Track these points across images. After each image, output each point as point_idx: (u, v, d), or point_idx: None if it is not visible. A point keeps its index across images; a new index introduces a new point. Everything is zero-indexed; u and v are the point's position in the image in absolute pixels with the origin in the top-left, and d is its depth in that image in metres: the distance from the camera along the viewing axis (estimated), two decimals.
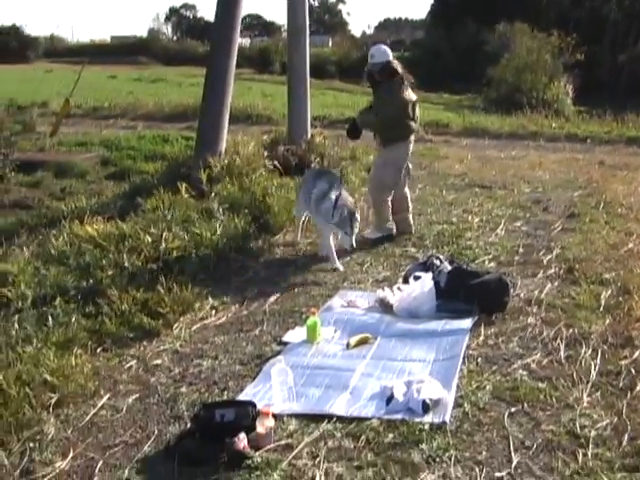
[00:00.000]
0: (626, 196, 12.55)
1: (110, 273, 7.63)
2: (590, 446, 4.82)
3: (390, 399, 5.31)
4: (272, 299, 7.65)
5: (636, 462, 4.64)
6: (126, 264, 7.81)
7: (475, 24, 45.33)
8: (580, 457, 4.70)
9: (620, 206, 11.73)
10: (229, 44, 12.46)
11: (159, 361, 6.23)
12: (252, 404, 5.06)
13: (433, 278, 7.34)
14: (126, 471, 4.65)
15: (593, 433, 4.98)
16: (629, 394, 5.53)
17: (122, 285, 7.39)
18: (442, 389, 5.44)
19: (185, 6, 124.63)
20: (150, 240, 8.36)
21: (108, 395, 5.64)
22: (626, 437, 4.93)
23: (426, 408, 5.18)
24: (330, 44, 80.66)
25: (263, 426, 4.88)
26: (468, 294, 7.20)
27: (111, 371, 6.06)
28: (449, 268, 7.61)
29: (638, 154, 18.63)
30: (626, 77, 42.47)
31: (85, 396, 5.62)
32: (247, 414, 4.91)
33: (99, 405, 5.50)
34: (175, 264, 7.98)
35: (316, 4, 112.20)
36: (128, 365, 6.17)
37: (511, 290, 7.46)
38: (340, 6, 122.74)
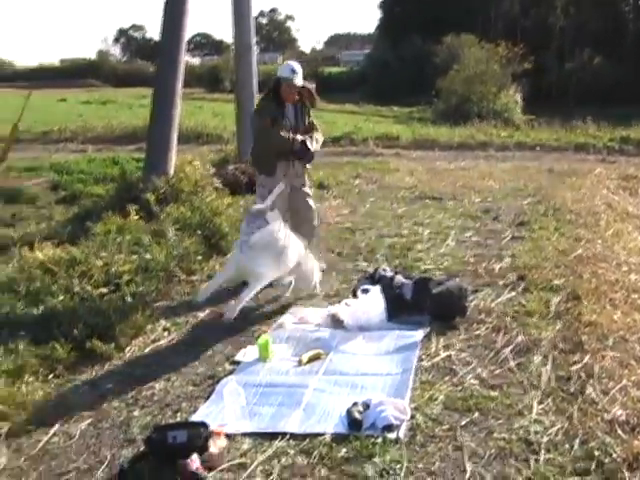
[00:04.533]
0: (575, 202, 12.70)
1: (61, 298, 7.57)
2: (542, 452, 4.87)
3: (353, 424, 5.29)
4: (224, 319, 7.63)
5: (587, 465, 4.69)
6: (77, 289, 7.76)
7: (423, 37, 45.60)
8: (532, 463, 4.75)
9: (569, 212, 11.87)
10: (175, 64, 12.45)
11: (111, 385, 6.19)
12: (204, 425, 5.05)
13: (395, 290, 7.42)
14: None
15: (545, 439, 5.03)
16: (580, 399, 5.59)
17: (73, 310, 7.34)
18: (403, 410, 5.43)
19: (134, 27, 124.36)
20: (100, 264, 8.31)
21: (60, 422, 5.60)
22: (577, 441, 4.98)
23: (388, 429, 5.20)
24: (280, 61, 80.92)
25: (216, 446, 4.88)
26: (432, 303, 7.31)
27: (63, 397, 6.02)
28: (410, 280, 7.70)
29: (586, 160, 18.87)
30: (574, 84, 42.93)
31: (37, 424, 5.57)
32: (199, 435, 4.91)
33: (51, 432, 5.45)
34: (126, 287, 7.93)
35: (265, 22, 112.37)
36: (80, 391, 6.13)
37: (469, 294, 7.62)
38: (289, 23, 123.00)
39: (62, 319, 7.10)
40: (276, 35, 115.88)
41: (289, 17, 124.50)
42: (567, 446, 4.94)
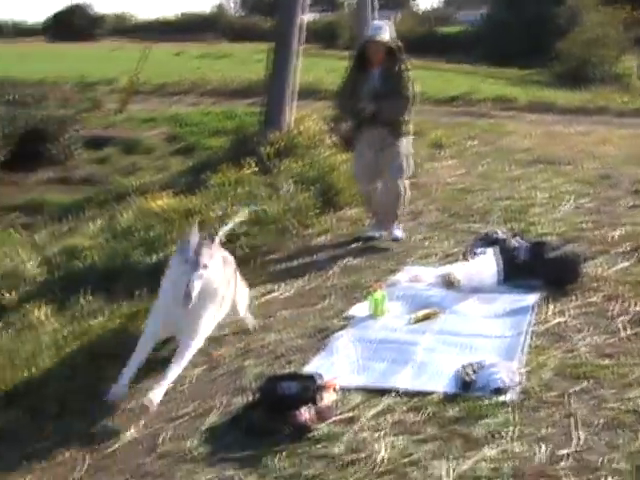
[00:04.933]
0: None
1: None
2: None
3: (464, 384, 5.29)
4: (337, 273, 7.70)
5: None
6: None
7: None
8: None
9: None
10: (294, 20, 12.51)
11: (225, 334, 6.30)
12: (316, 377, 5.11)
13: (510, 252, 7.43)
14: (192, 441, 4.74)
15: None
16: None
17: None
18: (514, 374, 5.39)
19: None
20: (216, 215, 8.44)
21: None
22: None
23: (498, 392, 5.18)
24: (399, 18, 79.90)
25: (327, 399, 4.94)
26: (546, 267, 7.24)
27: None
28: (526, 243, 7.70)
29: None
30: None
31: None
32: (310, 387, 4.97)
33: None
34: (241, 239, 8.04)
35: None
36: None
37: (584, 262, 7.52)
38: None
39: None
40: None
41: None
42: None
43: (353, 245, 8.66)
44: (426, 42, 46.21)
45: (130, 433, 4.89)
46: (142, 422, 5.00)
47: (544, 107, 21.55)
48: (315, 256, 8.26)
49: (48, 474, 4.60)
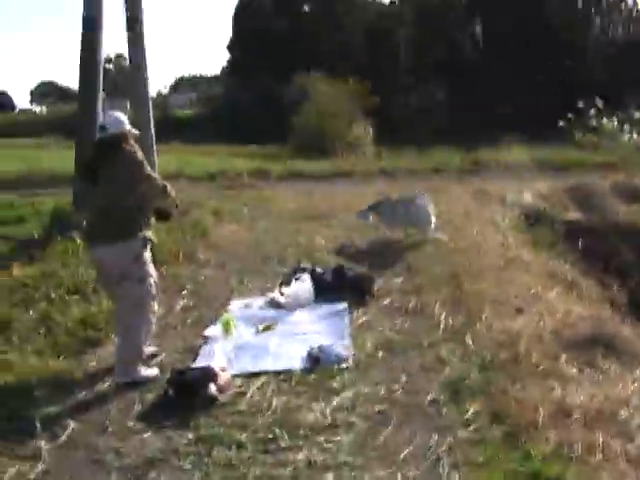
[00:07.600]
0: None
1: None
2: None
3: (316, 360, 7.34)
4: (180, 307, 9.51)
5: None
6: None
7: (273, 76, 46.78)
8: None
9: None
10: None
11: None
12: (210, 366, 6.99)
13: (321, 275, 9.81)
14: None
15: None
16: None
17: None
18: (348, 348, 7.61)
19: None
20: None
21: None
22: None
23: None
24: (128, 106, 79.81)
25: (223, 379, 6.83)
26: (350, 284, 9.63)
27: None
28: (330, 268, 10.14)
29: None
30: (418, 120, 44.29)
31: None
32: (209, 371, 6.86)
33: None
34: None
35: (112, 67, 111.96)
36: None
37: (375, 278, 9.92)
38: None
39: None
40: (120, 80, 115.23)
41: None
42: None
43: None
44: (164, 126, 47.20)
45: None
46: None
47: (296, 175, 23.26)
48: None
49: None
